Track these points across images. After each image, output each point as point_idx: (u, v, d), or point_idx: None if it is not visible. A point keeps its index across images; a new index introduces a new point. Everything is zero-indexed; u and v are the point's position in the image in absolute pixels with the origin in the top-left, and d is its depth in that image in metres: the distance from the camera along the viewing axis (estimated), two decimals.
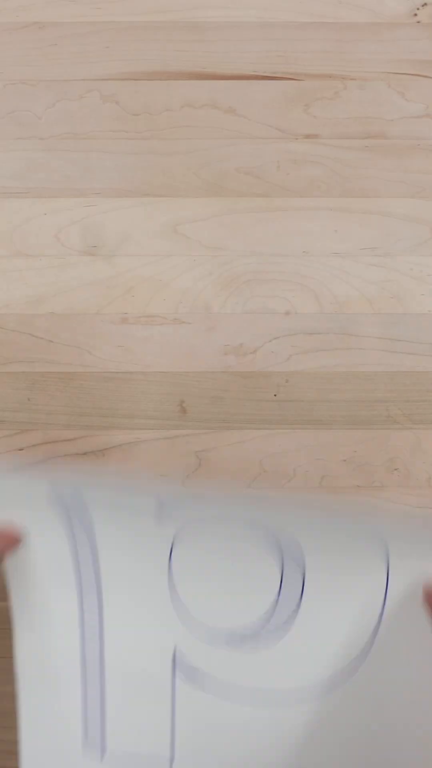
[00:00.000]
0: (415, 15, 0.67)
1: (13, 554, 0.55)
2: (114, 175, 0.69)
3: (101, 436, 0.70)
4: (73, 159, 0.69)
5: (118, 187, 0.69)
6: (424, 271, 0.69)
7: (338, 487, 0.70)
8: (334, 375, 0.70)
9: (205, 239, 0.69)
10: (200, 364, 0.69)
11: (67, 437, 0.70)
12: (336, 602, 0.55)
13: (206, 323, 0.69)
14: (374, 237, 0.70)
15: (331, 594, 0.55)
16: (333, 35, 0.67)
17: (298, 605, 0.56)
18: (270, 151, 0.69)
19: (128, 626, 0.58)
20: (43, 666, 0.59)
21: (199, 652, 0.58)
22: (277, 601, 0.56)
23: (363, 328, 0.70)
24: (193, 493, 0.55)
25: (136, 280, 0.70)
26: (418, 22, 0.67)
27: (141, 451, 0.70)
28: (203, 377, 0.69)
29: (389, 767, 0.57)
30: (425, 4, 0.67)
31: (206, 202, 0.69)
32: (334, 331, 0.70)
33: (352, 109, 0.68)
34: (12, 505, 0.55)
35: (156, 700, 0.60)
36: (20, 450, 0.69)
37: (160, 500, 0.54)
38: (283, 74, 0.68)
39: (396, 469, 0.70)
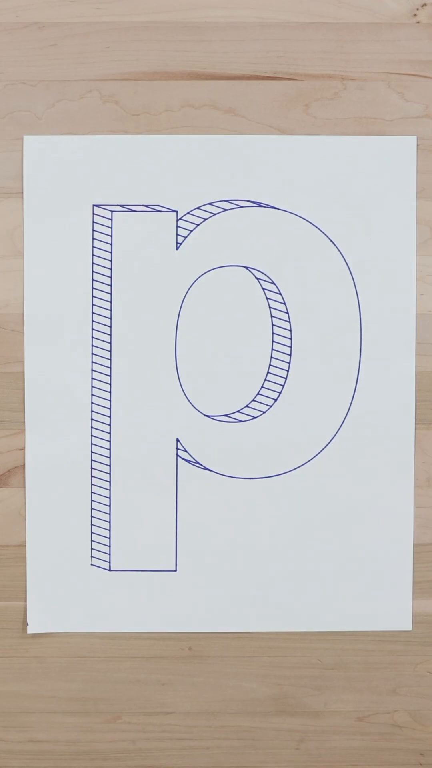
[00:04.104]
0: (415, 15, 0.67)
1: None
2: None
3: None
4: None
5: None
6: (424, 271, 0.69)
7: None
8: None
9: None
10: None
11: None
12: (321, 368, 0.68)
13: None
14: None
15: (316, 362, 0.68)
16: (333, 35, 0.67)
17: (287, 376, 0.68)
18: None
19: (134, 408, 0.68)
20: (53, 472, 0.68)
21: (200, 430, 0.68)
22: (267, 372, 0.68)
23: None
24: None
25: None
26: (418, 22, 0.67)
27: None
28: None
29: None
30: (425, 4, 0.67)
31: None
32: None
33: (351, 110, 0.68)
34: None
35: (160, 486, 0.68)
36: (20, 450, 0.69)
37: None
38: (283, 74, 0.68)
39: None
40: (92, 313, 0.68)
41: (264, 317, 0.68)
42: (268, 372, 0.68)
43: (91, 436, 0.68)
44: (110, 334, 0.68)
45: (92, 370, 0.68)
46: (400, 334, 0.68)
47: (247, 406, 0.68)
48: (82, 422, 0.68)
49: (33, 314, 0.68)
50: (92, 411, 0.68)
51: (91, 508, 0.68)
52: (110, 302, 0.68)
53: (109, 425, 0.68)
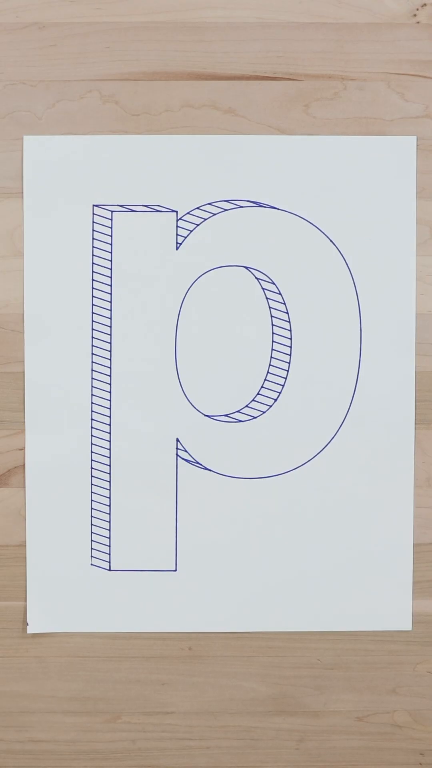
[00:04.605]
0: (415, 15, 0.67)
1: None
2: None
3: None
4: None
5: None
6: (424, 271, 0.69)
7: None
8: None
9: None
10: None
11: None
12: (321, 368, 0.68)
13: None
14: None
15: (316, 364, 0.68)
16: (333, 35, 0.67)
17: (287, 375, 0.68)
18: None
19: (134, 408, 0.68)
20: (53, 472, 0.68)
21: (200, 430, 0.68)
22: (267, 372, 0.68)
23: None
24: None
25: None
26: (418, 22, 0.67)
27: None
28: None
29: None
30: (425, 4, 0.67)
31: None
32: None
33: (351, 110, 0.68)
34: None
35: (160, 486, 0.68)
36: (20, 450, 0.69)
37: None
38: (283, 74, 0.68)
39: None
40: (92, 313, 0.68)
41: (264, 317, 0.68)
42: (268, 372, 0.68)
43: (91, 435, 0.68)
44: (110, 334, 0.68)
45: (92, 370, 0.68)
46: (400, 334, 0.68)
47: (247, 406, 0.68)
48: (82, 422, 0.68)
49: (33, 314, 0.68)
50: (92, 411, 0.68)
51: (91, 508, 0.68)
52: (110, 302, 0.68)
53: (109, 425, 0.68)
